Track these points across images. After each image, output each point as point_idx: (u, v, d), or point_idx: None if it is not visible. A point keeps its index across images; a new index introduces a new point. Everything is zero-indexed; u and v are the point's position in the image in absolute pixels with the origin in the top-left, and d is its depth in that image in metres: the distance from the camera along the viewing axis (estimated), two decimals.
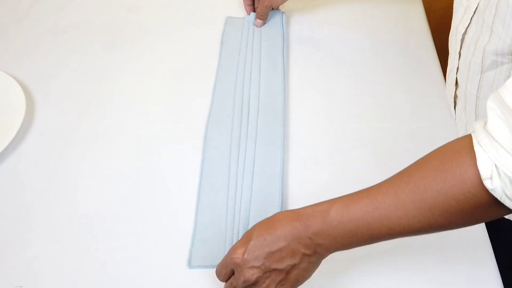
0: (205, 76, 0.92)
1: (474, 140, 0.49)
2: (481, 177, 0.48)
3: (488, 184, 0.48)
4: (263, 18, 1.00)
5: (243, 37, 0.97)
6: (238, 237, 0.70)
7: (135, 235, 0.72)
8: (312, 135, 0.83)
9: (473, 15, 0.66)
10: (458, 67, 0.73)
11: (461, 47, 0.71)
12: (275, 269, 0.57)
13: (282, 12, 1.01)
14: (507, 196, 0.47)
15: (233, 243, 0.66)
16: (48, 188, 0.78)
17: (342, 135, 0.82)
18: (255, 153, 0.78)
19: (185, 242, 0.71)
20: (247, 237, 0.58)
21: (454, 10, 0.71)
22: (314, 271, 0.59)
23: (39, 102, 0.90)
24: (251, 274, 0.57)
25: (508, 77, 0.63)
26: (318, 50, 0.94)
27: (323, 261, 0.58)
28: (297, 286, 0.59)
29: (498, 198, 0.48)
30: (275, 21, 1.00)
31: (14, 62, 0.96)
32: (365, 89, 0.89)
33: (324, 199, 0.75)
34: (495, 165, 0.47)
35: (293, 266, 0.57)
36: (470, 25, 0.67)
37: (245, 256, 0.57)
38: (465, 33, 0.68)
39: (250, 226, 0.68)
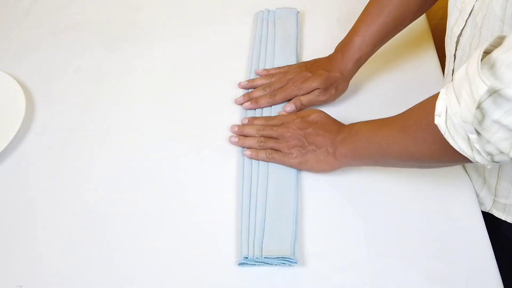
0: (206, 75, 0.92)
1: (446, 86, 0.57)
2: (435, 112, 0.57)
3: (436, 119, 0.57)
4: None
5: (256, 36, 0.96)
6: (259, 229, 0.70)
7: (135, 235, 0.72)
8: None
9: (468, 17, 0.65)
10: (453, 69, 0.73)
11: (456, 49, 0.70)
12: (303, 141, 0.75)
13: (297, 12, 0.99)
14: (450, 134, 0.55)
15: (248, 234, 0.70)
16: (48, 188, 0.78)
17: None
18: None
19: (186, 242, 0.71)
20: (309, 111, 0.79)
21: (448, 12, 0.71)
22: (321, 169, 0.75)
23: (39, 102, 0.90)
24: (287, 131, 0.76)
25: None
26: (316, 51, 0.94)
27: None
28: (303, 166, 0.75)
29: (442, 132, 0.56)
30: (289, 19, 0.97)
31: (14, 62, 0.96)
32: (363, 88, 0.89)
33: (336, 195, 0.75)
34: (446, 107, 0.56)
35: (313, 151, 0.74)
36: (465, 27, 0.67)
37: (296, 121, 0.77)
38: (460, 35, 0.68)
39: (266, 223, 0.70)
